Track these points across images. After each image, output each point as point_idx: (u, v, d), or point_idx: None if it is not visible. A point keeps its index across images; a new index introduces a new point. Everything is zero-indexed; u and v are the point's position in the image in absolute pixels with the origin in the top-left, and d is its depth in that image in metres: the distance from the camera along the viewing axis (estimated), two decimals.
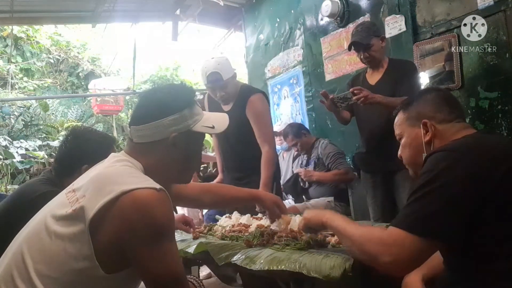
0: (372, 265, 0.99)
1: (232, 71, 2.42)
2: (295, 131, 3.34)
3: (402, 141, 1.21)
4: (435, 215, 0.90)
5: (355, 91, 2.17)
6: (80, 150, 1.55)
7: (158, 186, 0.94)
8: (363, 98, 2.14)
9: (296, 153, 3.63)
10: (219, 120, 1.20)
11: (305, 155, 3.39)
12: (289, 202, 3.41)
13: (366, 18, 3.46)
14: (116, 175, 0.98)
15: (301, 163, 3.43)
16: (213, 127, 1.15)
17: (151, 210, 0.90)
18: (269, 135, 2.48)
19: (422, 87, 2.91)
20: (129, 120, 1.14)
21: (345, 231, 1.07)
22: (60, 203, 0.99)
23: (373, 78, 2.48)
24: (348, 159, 3.35)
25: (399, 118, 1.23)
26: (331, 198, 3.08)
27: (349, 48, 2.47)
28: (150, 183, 0.95)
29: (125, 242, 0.90)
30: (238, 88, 2.48)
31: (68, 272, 0.89)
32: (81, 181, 1.02)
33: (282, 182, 3.88)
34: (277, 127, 4.05)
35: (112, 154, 1.12)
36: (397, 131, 1.24)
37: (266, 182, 2.31)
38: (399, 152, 1.24)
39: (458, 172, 0.91)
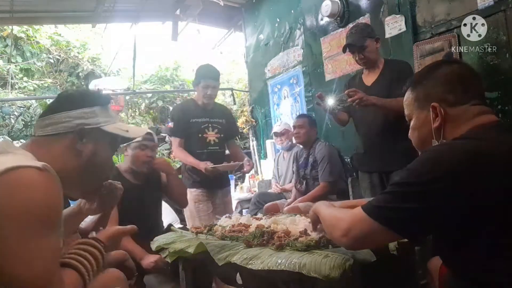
0: (333, 239, 1.10)
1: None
2: (308, 122, 3.31)
3: (411, 123, 1.12)
4: (401, 212, 0.90)
5: (350, 93, 2.18)
6: None
7: (40, 164, 0.81)
8: (358, 100, 2.16)
9: (296, 153, 3.63)
10: (136, 129, 1.15)
11: (303, 158, 3.37)
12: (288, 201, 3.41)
13: (366, 18, 3.46)
14: None
15: (298, 163, 3.43)
16: (127, 131, 1.06)
17: (25, 192, 0.75)
18: None
19: None
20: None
21: (320, 214, 1.19)
22: None
23: (369, 79, 2.50)
24: (347, 159, 3.35)
25: (407, 97, 1.13)
26: (333, 196, 3.09)
27: (344, 50, 2.50)
28: (30, 161, 0.81)
29: None
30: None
31: None
32: None
33: (281, 183, 3.90)
34: (277, 127, 4.05)
35: None
36: (406, 111, 1.14)
37: None
38: (409, 134, 1.15)
39: (445, 185, 0.86)
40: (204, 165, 2.66)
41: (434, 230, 0.95)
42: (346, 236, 0.98)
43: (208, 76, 2.81)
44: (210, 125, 2.88)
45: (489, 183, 0.86)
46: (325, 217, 1.14)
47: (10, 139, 6.80)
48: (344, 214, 1.03)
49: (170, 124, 2.87)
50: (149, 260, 1.95)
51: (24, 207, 0.75)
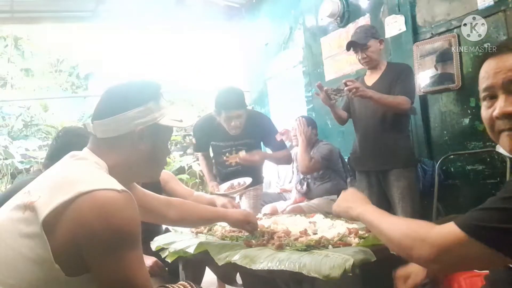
0: (410, 260, 0.92)
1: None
2: (309, 123, 3.25)
3: None
4: None
5: (347, 82, 2.20)
6: (71, 146, 1.54)
7: (120, 187, 0.89)
8: (355, 90, 2.18)
9: (295, 153, 3.62)
10: (187, 116, 1.17)
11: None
12: (286, 204, 3.41)
13: (366, 18, 3.46)
14: (73, 174, 0.93)
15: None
16: (181, 121, 1.12)
17: (111, 214, 0.83)
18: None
19: (421, 87, 2.92)
20: (92, 116, 1.09)
21: (380, 226, 0.98)
22: (15, 207, 0.92)
23: (371, 79, 2.52)
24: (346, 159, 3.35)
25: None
26: (334, 197, 3.08)
27: (347, 48, 2.51)
28: (111, 183, 0.89)
29: (82, 247, 0.84)
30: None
31: (26, 277, 0.84)
32: (36, 182, 0.97)
33: (281, 183, 3.90)
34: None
35: (71, 153, 1.05)
36: None
37: None
38: None
39: None
40: (211, 188, 2.57)
41: None
42: (436, 262, 0.83)
43: (230, 107, 2.37)
44: (234, 148, 2.60)
45: None
46: (387, 230, 0.95)
47: (10, 139, 6.81)
48: (423, 231, 0.86)
49: (193, 140, 2.79)
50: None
51: (114, 226, 0.84)
